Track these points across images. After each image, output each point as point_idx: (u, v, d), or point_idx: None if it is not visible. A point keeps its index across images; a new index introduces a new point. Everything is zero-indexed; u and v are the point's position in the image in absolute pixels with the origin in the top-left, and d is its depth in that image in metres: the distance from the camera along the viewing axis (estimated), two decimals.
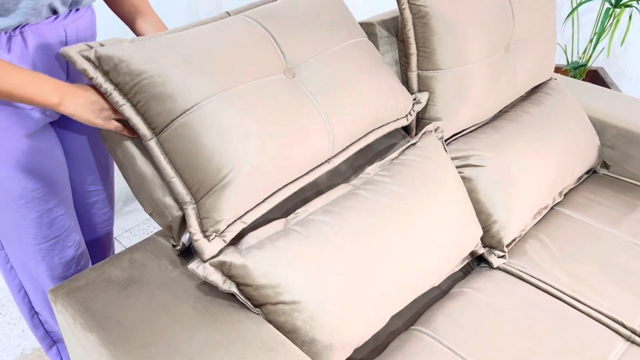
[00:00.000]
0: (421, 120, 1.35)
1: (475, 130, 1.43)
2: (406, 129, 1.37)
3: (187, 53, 0.96)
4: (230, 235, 0.99)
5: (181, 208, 1.01)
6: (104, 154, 1.32)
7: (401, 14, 1.26)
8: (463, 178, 1.32)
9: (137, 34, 1.22)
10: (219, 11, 2.01)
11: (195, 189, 0.97)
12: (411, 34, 1.27)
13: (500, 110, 1.53)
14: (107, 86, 0.95)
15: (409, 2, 1.24)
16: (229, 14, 1.11)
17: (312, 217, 1.05)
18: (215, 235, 0.97)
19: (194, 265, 0.95)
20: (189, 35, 1.00)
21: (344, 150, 1.16)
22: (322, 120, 1.05)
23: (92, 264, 1.31)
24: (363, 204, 1.08)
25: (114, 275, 1.03)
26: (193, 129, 0.94)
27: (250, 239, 1.00)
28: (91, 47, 0.95)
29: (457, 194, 1.23)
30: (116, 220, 2.14)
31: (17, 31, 0.98)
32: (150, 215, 1.07)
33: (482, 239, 1.34)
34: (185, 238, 1.03)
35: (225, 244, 0.98)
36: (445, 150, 1.28)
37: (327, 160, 1.13)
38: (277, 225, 1.05)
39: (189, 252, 1.09)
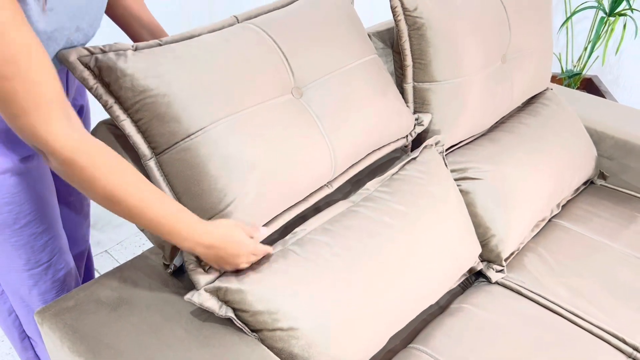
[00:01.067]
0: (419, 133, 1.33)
1: (472, 142, 1.41)
2: None
3: (195, 71, 0.91)
4: None
5: None
6: None
7: (397, 25, 1.24)
8: (460, 191, 1.30)
9: (133, 38, 1.18)
10: (210, 12, 1.97)
11: None
12: (407, 45, 1.25)
13: (497, 122, 1.51)
14: (107, 98, 0.89)
15: (404, 14, 1.22)
16: (237, 19, 1.07)
17: (311, 236, 1.02)
18: (210, 266, 0.95)
19: (189, 295, 0.91)
20: (197, 47, 0.94)
21: (345, 172, 1.13)
22: (327, 147, 1.03)
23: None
24: (363, 223, 1.06)
25: (103, 295, 1.00)
26: (197, 155, 0.90)
27: None
28: (92, 53, 0.88)
29: (457, 210, 1.20)
30: (107, 233, 2.11)
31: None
32: (142, 231, 1.04)
33: (480, 253, 1.32)
34: (177, 260, 1.00)
35: (220, 273, 0.95)
36: (446, 165, 1.26)
37: (327, 184, 1.10)
38: (274, 246, 1.02)
39: (181, 270, 1.06)
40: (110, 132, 1.00)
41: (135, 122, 0.91)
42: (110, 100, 0.90)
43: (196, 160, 0.91)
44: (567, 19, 2.62)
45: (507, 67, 1.42)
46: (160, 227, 0.84)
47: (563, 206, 1.55)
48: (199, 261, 0.95)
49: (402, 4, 1.21)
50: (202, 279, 0.94)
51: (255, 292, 0.91)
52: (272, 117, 0.98)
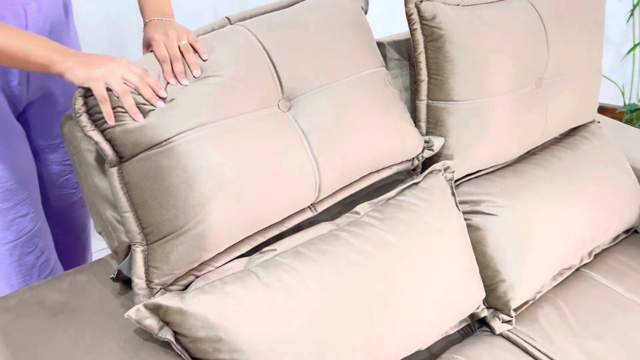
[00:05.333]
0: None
1: (492, 173, 1.25)
2: None
3: None
4: (176, 288, 0.87)
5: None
6: None
7: (412, 35, 1.11)
8: (470, 226, 1.15)
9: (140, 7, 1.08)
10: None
11: (148, 230, 0.85)
12: (422, 58, 1.12)
13: (526, 153, 1.34)
14: (79, 107, 0.83)
15: (421, 22, 1.09)
16: (229, 20, 0.99)
17: (279, 259, 0.91)
18: (161, 288, 0.85)
19: (129, 312, 0.81)
20: None
21: (332, 195, 1.02)
22: (311, 165, 0.92)
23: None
24: (341, 250, 0.93)
25: (48, 298, 0.92)
26: (158, 166, 0.82)
27: (200, 280, 0.87)
28: None
29: (459, 247, 1.06)
30: None
31: None
32: (99, 234, 0.96)
33: (486, 299, 1.16)
34: (123, 267, 0.91)
35: (165, 286, 0.86)
36: (453, 195, 1.12)
37: (310, 207, 0.99)
38: (237, 263, 0.91)
39: None
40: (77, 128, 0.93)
41: (102, 132, 0.84)
42: (82, 109, 0.83)
43: (156, 171, 0.83)
44: (635, 46, 2.39)
45: (541, 92, 1.26)
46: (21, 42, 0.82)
47: (596, 255, 1.36)
48: (149, 281, 0.85)
49: (419, 12, 1.09)
50: (143, 292, 0.84)
51: (198, 315, 0.81)
52: (251, 131, 0.88)
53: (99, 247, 1.98)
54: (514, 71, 1.18)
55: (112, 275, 0.91)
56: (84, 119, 0.83)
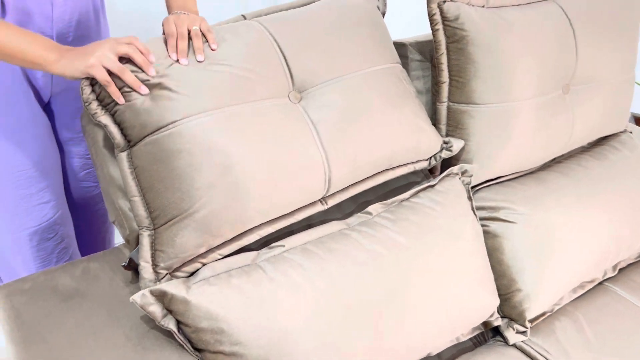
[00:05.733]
0: (447, 160, 1.17)
1: (513, 180, 1.22)
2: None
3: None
4: (182, 275, 0.88)
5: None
6: None
7: (434, 35, 1.09)
8: (487, 233, 1.13)
9: None
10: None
11: (155, 214, 0.87)
12: (444, 59, 1.11)
13: (550, 161, 1.31)
14: (87, 96, 0.85)
15: (443, 23, 1.08)
16: (244, 17, 1.00)
17: (287, 255, 0.91)
18: (167, 273, 0.86)
19: (135, 296, 0.83)
20: None
21: (344, 190, 1.01)
22: (320, 156, 0.91)
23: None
24: (350, 249, 0.93)
25: (61, 283, 0.94)
26: (164, 149, 0.84)
27: (207, 270, 0.88)
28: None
29: (472, 252, 1.03)
30: None
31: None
32: (113, 223, 0.98)
33: (501, 308, 1.13)
34: (134, 254, 0.93)
35: (170, 271, 0.86)
36: (470, 199, 1.09)
37: (321, 200, 0.98)
38: (245, 257, 0.91)
39: None
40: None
41: (112, 115, 0.86)
42: (91, 97, 0.85)
43: (162, 155, 0.84)
44: None
45: (568, 99, 1.22)
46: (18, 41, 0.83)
47: (621, 269, 1.31)
48: (155, 264, 0.86)
49: (442, 12, 1.07)
50: (149, 276, 0.85)
51: (201, 306, 0.81)
52: (259, 119, 0.88)
53: (122, 240, 2.01)
54: (540, 76, 1.15)
55: (124, 263, 0.92)
56: (94, 106, 0.85)
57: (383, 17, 1.10)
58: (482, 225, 1.13)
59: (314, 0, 1.05)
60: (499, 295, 1.11)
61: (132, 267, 0.94)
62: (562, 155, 1.34)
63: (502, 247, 1.12)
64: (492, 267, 1.11)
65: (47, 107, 1.11)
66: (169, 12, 0.97)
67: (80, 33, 1.05)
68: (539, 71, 1.15)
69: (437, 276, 0.96)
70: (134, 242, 0.93)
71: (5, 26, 0.85)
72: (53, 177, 1.14)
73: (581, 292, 1.22)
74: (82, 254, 1.35)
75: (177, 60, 0.86)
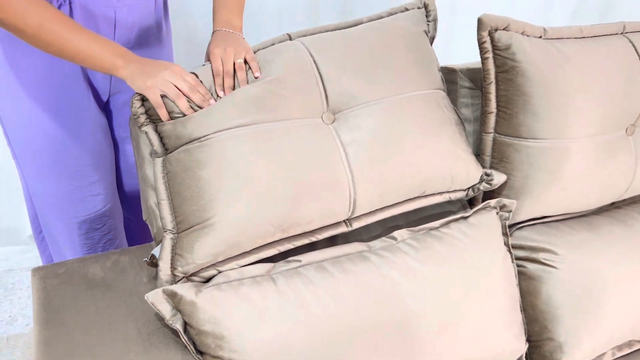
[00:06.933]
0: (489, 193, 1.12)
1: (560, 221, 1.15)
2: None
3: None
4: (198, 280, 0.90)
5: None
6: None
7: (483, 64, 1.06)
8: (522, 274, 1.07)
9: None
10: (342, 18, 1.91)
11: (179, 219, 0.90)
12: (492, 89, 1.07)
13: (605, 206, 1.22)
14: (136, 109, 0.91)
15: (493, 51, 1.04)
16: (289, 36, 1.03)
17: (302, 270, 0.91)
18: (183, 277, 0.89)
19: (150, 293, 0.86)
20: None
21: (371, 213, 1.00)
22: (346, 177, 0.91)
23: None
24: (366, 272, 0.91)
25: (91, 272, 1.00)
26: (194, 159, 0.88)
27: (222, 276, 0.90)
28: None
29: (500, 291, 0.98)
30: None
31: (67, 0, 0.99)
32: (145, 221, 1.02)
33: (530, 355, 1.06)
34: (156, 251, 0.96)
35: (186, 275, 0.89)
36: (505, 235, 1.04)
37: (345, 222, 0.98)
38: (261, 268, 0.93)
39: None
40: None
41: (155, 124, 0.92)
42: (138, 104, 0.91)
43: (192, 164, 0.88)
44: None
45: (633, 141, 1.14)
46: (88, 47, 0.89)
47: None
48: (173, 267, 0.89)
49: (492, 40, 1.03)
50: (166, 277, 0.88)
51: (207, 309, 0.83)
52: (288, 136, 0.90)
53: None
54: (599, 114, 1.08)
55: (146, 259, 0.96)
56: (142, 119, 0.91)
57: (432, 42, 1.09)
58: (518, 266, 1.07)
59: (361, 21, 1.05)
60: (529, 341, 1.05)
61: (155, 264, 0.97)
62: (624, 201, 1.25)
63: (537, 291, 1.05)
64: (525, 310, 1.05)
65: (105, 107, 1.19)
66: (214, 25, 1.01)
67: (141, 39, 1.11)
68: (599, 109, 1.08)
69: (455, 311, 0.92)
70: (160, 241, 0.97)
71: (79, 30, 0.91)
72: (106, 172, 1.21)
73: (628, 350, 1.12)
74: (130, 246, 1.42)
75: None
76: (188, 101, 0.88)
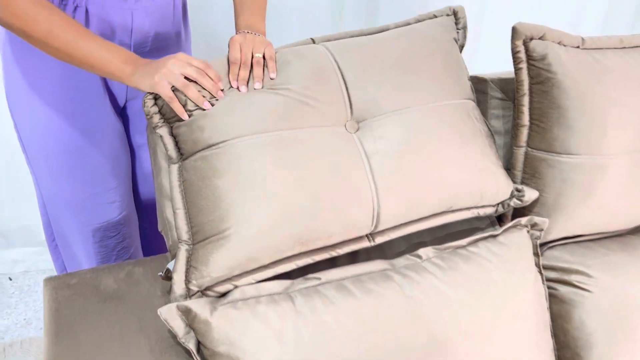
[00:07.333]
0: (520, 210, 1.07)
1: (594, 241, 1.09)
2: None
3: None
4: (213, 294, 0.86)
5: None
6: None
7: (516, 74, 1.01)
8: (554, 297, 1.01)
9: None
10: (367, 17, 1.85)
11: (195, 229, 0.87)
12: (525, 101, 1.01)
13: None
14: (149, 109, 0.88)
15: (527, 62, 0.99)
16: (313, 40, 0.99)
17: (321, 289, 0.87)
18: (198, 291, 0.85)
19: (163, 308, 0.82)
20: None
21: (395, 228, 0.95)
22: (369, 189, 0.87)
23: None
24: (389, 293, 0.86)
25: (104, 283, 0.97)
26: (211, 167, 0.84)
27: (238, 292, 0.86)
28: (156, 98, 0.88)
29: (530, 314, 0.93)
30: None
31: (83, 2, 0.96)
32: (160, 232, 0.99)
33: None
34: (171, 265, 0.93)
35: (201, 289, 0.85)
36: (536, 255, 0.99)
37: (368, 237, 0.94)
38: (279, 285, 0.88)
39: None
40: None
41: (171, 126, 0.89)
42: (154, 110, 0.88)
43: (209, 172, 0.84)
44: None
45: None
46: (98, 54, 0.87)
47: None
48: (187, 280, 0.86)
49: (527, 50, 0.98)
50: (180, 291, 0.84)
51: (222, 330, 0.79)
52: (309, 146, 0.86)
53: None
54: (639, 130, 1.02)
55: (161, 273, 0.93)
56: (156, 119, 0.87)
57: (461, 50, 1.04)
58: (549, 288, 1.02)
59: (388, 28, 1.01)
60: None
61: (169, 277, 0.94)
62: None
63: (569, 315, 1.00)
64: (555, 335, 1.00)
65: (122, 112, 1.16)
66: (236, 29, 0.97)
67: (159, 44, 1.08)
68: (638, 124, 1.02)
69: (483, 335, 0.87)
70: (175, 254, 0.93)
71: (89, 37, 0.89)
72: (122, 179, 1.18)
73: None
74: (145, 255, 1.39)
75: (237, 88, 0.86)
76: (199, 91, 0.84)
